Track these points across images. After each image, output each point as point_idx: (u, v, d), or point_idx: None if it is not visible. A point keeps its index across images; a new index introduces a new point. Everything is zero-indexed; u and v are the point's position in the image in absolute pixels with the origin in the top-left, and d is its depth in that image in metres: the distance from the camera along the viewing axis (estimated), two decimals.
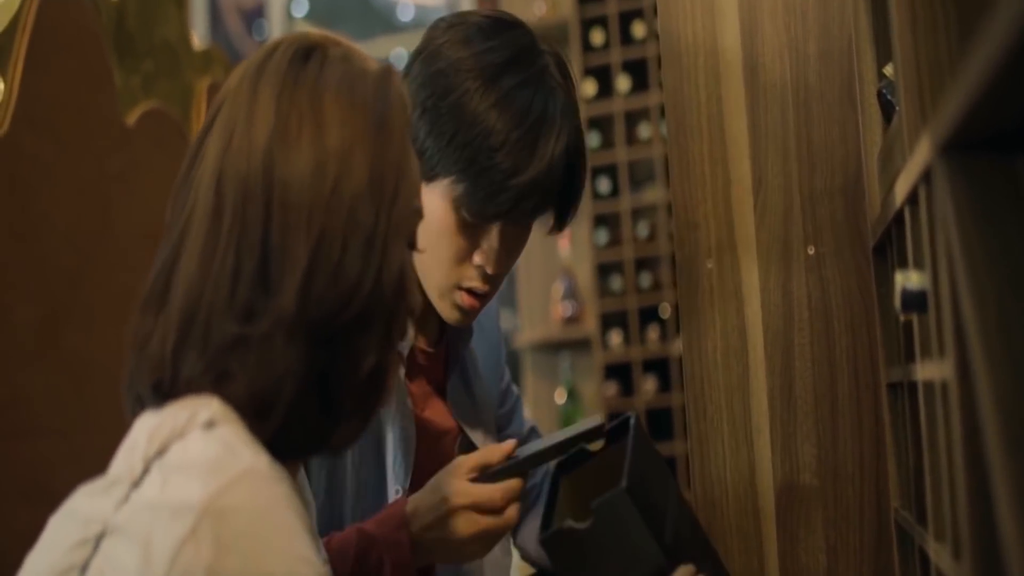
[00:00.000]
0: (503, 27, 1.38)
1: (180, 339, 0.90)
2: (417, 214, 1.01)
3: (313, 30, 1.08)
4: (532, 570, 1.66)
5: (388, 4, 6.36)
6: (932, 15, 0.84)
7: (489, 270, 1.37)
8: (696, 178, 1.44)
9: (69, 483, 0.91)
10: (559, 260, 4.96)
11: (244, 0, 6.33)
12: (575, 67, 1.45)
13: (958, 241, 0.69)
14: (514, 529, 1.60)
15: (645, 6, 4.70)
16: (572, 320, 4.90)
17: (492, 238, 1.36)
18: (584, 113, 1.43)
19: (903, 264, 1.05)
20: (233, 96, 0.96)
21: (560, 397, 4.83)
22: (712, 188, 1.43)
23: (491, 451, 1.27)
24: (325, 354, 0.90)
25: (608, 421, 1.27)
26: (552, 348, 4.95)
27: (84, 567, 0.85)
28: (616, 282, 4.75)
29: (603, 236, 4.78)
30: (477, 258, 1.37)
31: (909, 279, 0.88)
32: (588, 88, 4.74)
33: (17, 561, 0.90)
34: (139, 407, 0.93)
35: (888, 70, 1.22)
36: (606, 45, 4.79)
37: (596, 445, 1.26)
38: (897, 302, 0.90)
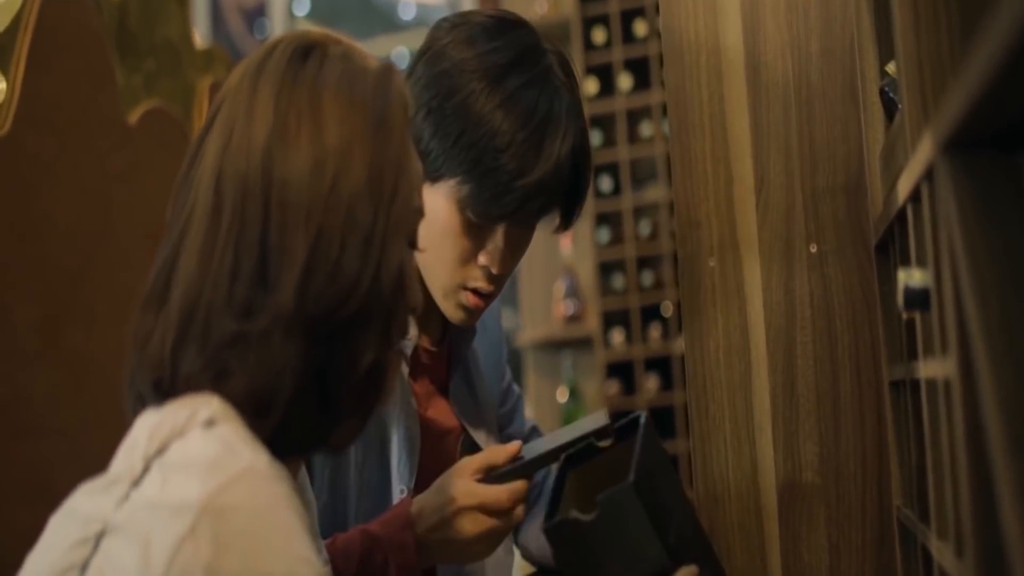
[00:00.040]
0: (507, 27, 1.38)
1: (179, 337, 0.90)
2: (418, 213, 1.01)
3: (314, 29, 1.08)
4: (533, 569, 1.66)
5: (389, 3, 6.36)
6: (934, 13, 0.83)
7: (494, 270, 1.37)
8: (698, 176, 1.43)
9: (70, 482, 0.91)
10: (561, 259, 4.96)
11: None
12: (577, 66, 1.45)
13: (961, 239, 0.69)
14: (516, 528, 1.60)
15: (647, 4, 4.70)
16: (574, 319, 4.90)
17: (497, 239, 1.36)
18: (586, 112, 1.43)
19: (905, 262, 1.05)
20: (233, 95, 0.97)
21: (562, 396, 4.83)
22: (714, 186, 1.43)
23: (496, 452, 1.26)
24: (323, 351, 0.90)
25: (613, 418, 1.27)
26: (554, 347, 4.95)
27: (84, 566, 0.85)
28: (618, 281, 4.75)
29: (605, 235, 4.78)
30: (482, 258, 1.37)
31: (912, 277, 0.88)
32: (590, 87, 4.74)
33: (18, 561, 0.90)
34: (140, 406, 0.93)
35: (890, 68, 1.22)
36: (608, 43, 4.79)
37: (605, 442, 1.26)
38: (900, 300, 0.90)
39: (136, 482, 0.86)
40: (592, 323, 4.77)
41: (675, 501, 1.20)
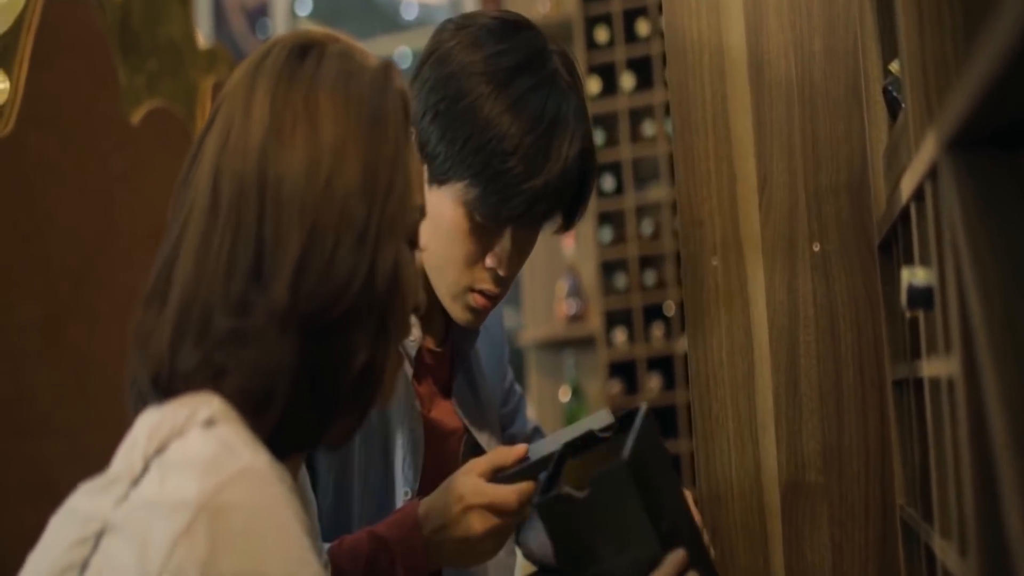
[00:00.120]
0: (513, 29, 1.38)
1: (176, 334, 0.91)
2: (418, 212, 1.01)
3: (316, 28, 1.08)
4: (534, 569, 1.66)
5: (392, 2, 6.36)
6: (938, 12, 0.83)
7: (501, 272, 1.37)
8: (701, 175, 1.43)
9: (72, 481, 0.91)
10: (563, 258, 4.95)
11: None
12: (579, 65, 1.45)
13: (964, 238, 0.69)
14: (517, 528, 1.60)
15: (649, 4, 4.70)
16: (576, 318, 4.89)
17: (504, 241, 1.36)
18: (588, 111, 1.43)
19: (909, 261, 1.05)
20: (231, 94, 0.97)
21: (564, 395, 4.83)
22: (717, 185, 1.43)
23: (503, 454, 1.26)
24: (317, 348, 0.91)
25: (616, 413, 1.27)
26: (556, 346, 4.95)
27: (84, 565, 0.85)
28: (620, 280, 4.75)
29: (607, 234, 4.78)
30: (489, 260, 1.37)
31: (915, 276, 0.88)
32: (592, 86, 4.73)
33: (21, 559, 0.91)
34: (141, 405, 0.93)
35: (894, 67, 1.22)
36: (610, 43, 4.79)
37: (605, 432, 1.26)
38: (903, 299, 0.90)
39: (135, 481, 0.86)
40: (595, 322, 4.77)
41: (670, 492, 1.19)
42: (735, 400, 1.41)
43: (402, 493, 1.41)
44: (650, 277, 4.69)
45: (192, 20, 2.54)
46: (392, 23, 6.32)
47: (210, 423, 0.87)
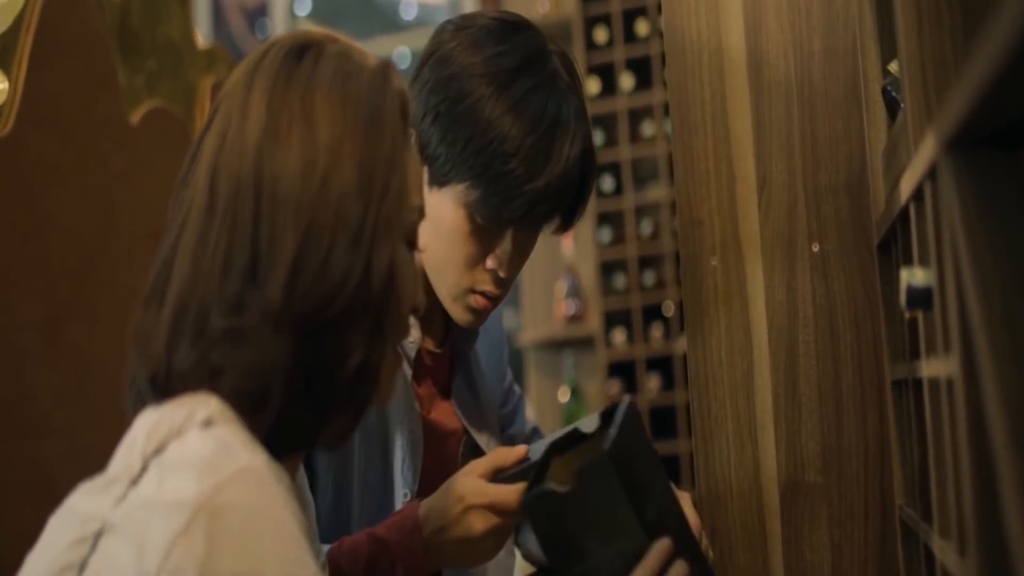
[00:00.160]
0: (513, 30, 1.38)
1: (173, 333, 0.91)
2: (416, 213, 1.01)
3: (315, 28, 1.08)
4: (533, 569, 1.66)
5: (391, 2, 6.36)
6: (937, 12, 0.83)
7: (502, 274, 1.37)
8: (700, 175, 1.43)
9: (72, 481, 0.92)
10: (563, 258, 4.95)
11: None
12: (578, 65, 1.45)
13: (963, 237, 0.69)
14: (516, 529, 1.60)
15: (648, 4, 4.70)
16: (575, 318, 4.89)
17: (505, 242, 1.36)
18: (587, 111, 1.43)
19: (908, 261, 1.05)
20: (229, 95, 0.98)
21: (564, 395, 4.83)
22: (716, 185, 1.43)
23: (503, 454, 1.26)
24: (312, 348, 0.91)
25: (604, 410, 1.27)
26: (555, 346, 4.95)
27: (82, 565, 0.85)
28: (620, 280, 4.75)
29: (607, 234, 4.78)
30: (490, 262, 1.37)
31: (914, 276, 0.88)
32: (591, 86, 4.73)
33: (21, 559, 0.91)
34: (140, 404, 0.93)
35: (893, 67, 1.22)
36: (609, 43, 4.79)
37: (591, 428, 1.26)
38: (902, 299, 0.90)
39: (134, 481, 0.86)
40: (594, 323, 4.77)
41: (655, 482, 1.19)
42: (734, 400, 1.41)
43: (401, 495, 1.41)
44: (649, 277, 4.69)
45: (191, 20, 2.54)
46: (391, 23, 6.32)
47: (208, 423, 0.87)
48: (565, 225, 1.43)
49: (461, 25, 1.39)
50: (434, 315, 1.47)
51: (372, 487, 1.40)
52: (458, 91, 1.32)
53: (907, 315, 1.12)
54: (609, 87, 4.80)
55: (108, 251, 1.85)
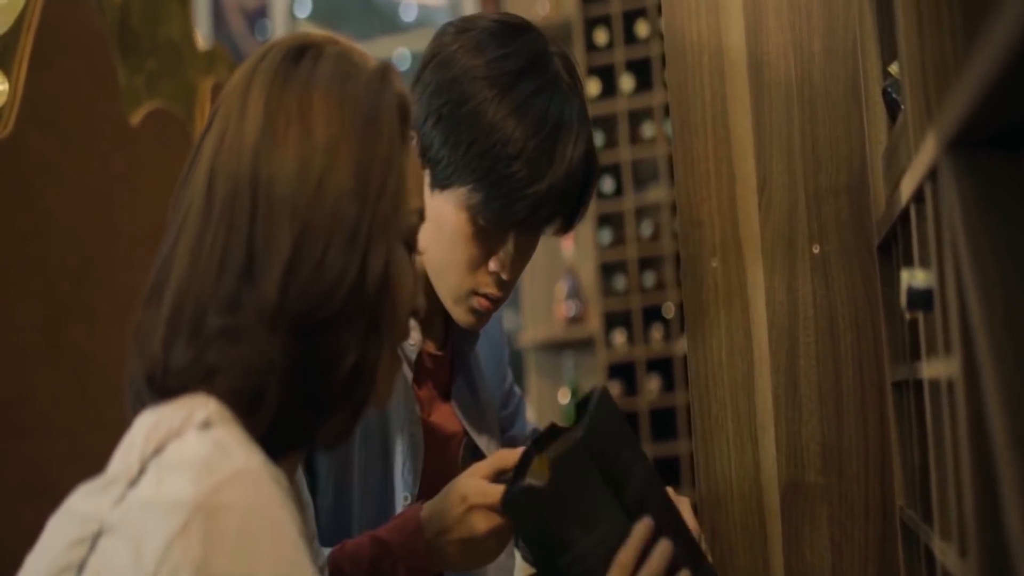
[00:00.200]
0: (514, 32, 1.37)
1: (170, 332, 0.92)
2: (416, 215, 1.01)
3: (315, 30, 1.09)
4: (533, 570, 1.66)
5: (391, 4, 6.36)
6: (937, 13, 0.83)
7: (505, 276, 1.37)
8: (700, 176, 1.43)
9: (73, 482, 0.92)
10: (563, 260, 4.96)
11: (247, 0, 6.33)
12: (579, 67, 1.44)
13: (964, 238, 0.69)
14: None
15: (648, 5, 4.70)
16: (576, 320, 4.90)
17: (507, 245, 1.36)
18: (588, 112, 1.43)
19: (908, 262, 1.05)
20: (229, 96, 0.98)
21: (564, 397, 4.83)
22: (716, 186, 1.43)
23: (505, 456, 1.26)
24: (307, 348, 0.91)
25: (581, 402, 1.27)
26: (556, 348, 4.95)
27: (81, 566, 0.85)
28: (620, 282, 4.75)
29: (607, 236, 4.78)
30: (493, 264, 1.37)
31: (915, 277, 0.88)
32: (592, 87, 4.74)
33: (21, 559, 0.91)
34: (139, 404, 0.94)
35: (893, 68, 1.22)
36: (610, 44, 4.79)
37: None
38: (903, 300, 0.90)
39: (133, 482, 0.86)
40: (594, 324, 4.77)
41: (634, 465, 1.19)
42: (735, 401, 1.41)
43: (402, 498, 1.41)
44: (649, 278, 4.69)
45: (191, 21, 2.54)
46: (391, 24, 6.32)
47: (206, 425, 0.87)
48: (567, 227, 1.43)
49: (462, 27, 1.38)
50: (435, 317, 1.47)
51: (372, 490, 1.40)
52: (460, 94, 1.32)
53: (908, 316, 1.12)
54: (609, 88, 4.80)
55: (108, 251, 1.85)
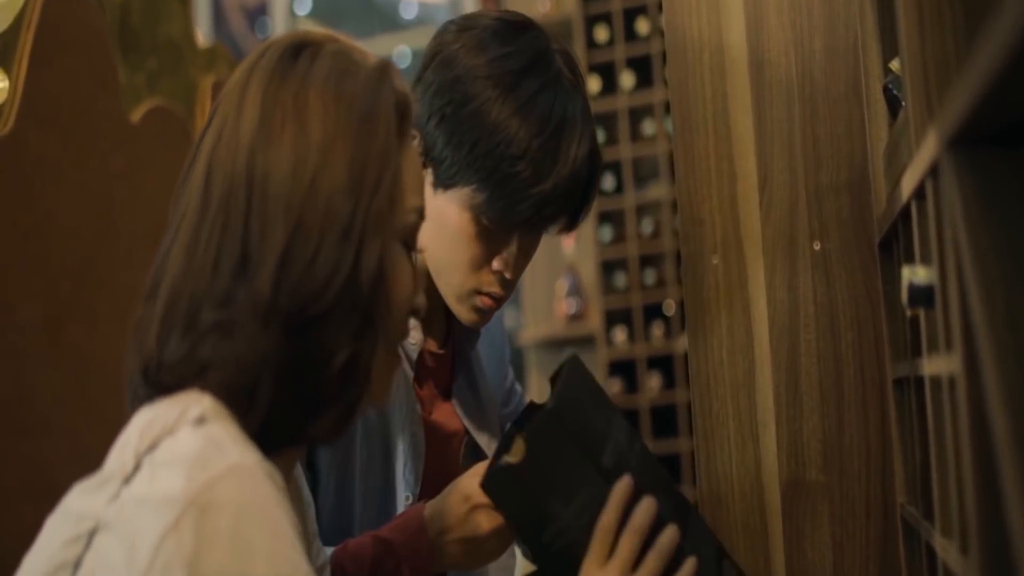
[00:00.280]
0: (516, 30, 1.37)
1: (164, 327, 0.92)
2: (415, 213, 1.01)
3: (316, 28, 1.09)
4: (533, 568, 1.66)
5: (391, 2, 6.36)
6: (938, 10, 0.83)
7: (508, 276, 1.37)
8: (701, 174, 1.43)
9: (73, 481, 0.92)
10: (563, 257, 4.96)
11: None
12: (580, 64, 1.44)
13: (965, 235, 0.69)
14: None
15: (649, 2, 4.70)
16: (576, 317, 4.90)
17: (511, 244, 1.36)
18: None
19: (909, 259, 1.05)
20: (227, 94, 0.99)
21: None
22: (717, 184, 1.43)
23: None
24: (299, 343, 0.91)
25: (552, 377, 1.26)
26: (556, 345, 4.95)
27: (77, 563, 0.85)
28: (620, 279, 4.75)
29: (607, 233, 4.78)
30: (496, 264, 1.36)
31: (916, 274, 0.88)
32: (592, 85, 4.74)
33: (21, 559, 0.91)
34: (137, 402, 0.94)
35: (894, 65, 1.22)
36: (610, 42, 4.79)
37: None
38: (904, 297, 0.90)
39: (127, 479, 0.86)
40: (594, 322, 4.77)
41: (610, 428, 1.18)
42: (735, 399, 1.41)
43: (403, 498, 1.41)
44: (650, 276, 4.69)
45: (191, 19, 2.54)
46: (391, 22, 6.32)
47: (201, 421, 0.87)
48: (571, 226, 1.42)
49: (464, 26, 1.38)
50: (436, 316, 1.47)
51: (373, 489, 1.40)
52: (463, 93, 1.32)
53: (909, 313, 1.12)
54: (610, 86, 4.80)
55: (109, 250, 1.85)
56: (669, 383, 4.62)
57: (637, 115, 4.77)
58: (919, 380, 1.05)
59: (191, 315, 0.91)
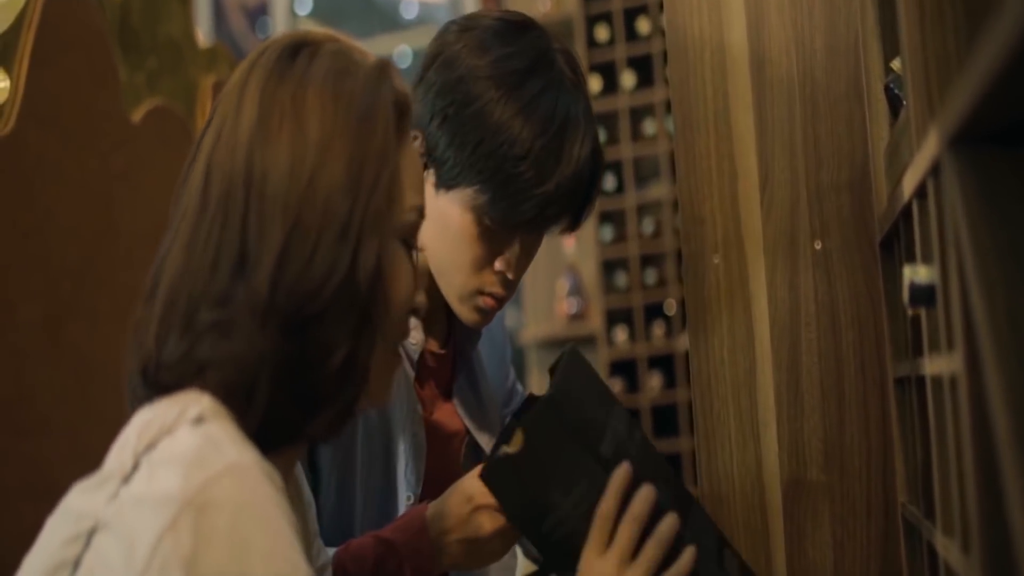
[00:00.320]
0: (518, 30, 1.37)
1: (163, 326, 0.92)
2: (415, 213, 1.01)
3: (316, 28, 1.09)
4: (535, 568, 1.66)
5: (392, 1, 6.36)
6: (939, 9, 0.83)
7: (510, 276, 1.37)
8: (702, 173, 1.43)
9: (73, 481, 0.92)
10: (564, 257, 4.96)
11: None
12: (581, 64, 1.44)
13: (967, 234, 0.69)
14: None
15: (650, 2, 4.70)
16: (577, 317, 4.90)
17: (513, 245, 1.36)
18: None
19: (910, 258, 1.05)
20: (227, 93, 0.99)
21: None
22: (719, 183, 1.43)
23: None
24: (296, 342, 0.91)
25: (551, 368, 1.26)
26: (557, 345, 4.95)
27: (76, 563, 0.85)
28: (621, 279, 4.75)
29: (608, 232, 4.78)
30: (499, 264, 1.36)
31: (917, 273, 0.88)
32: (593, 84, 4.74)
33: (21, 559, 0.91)
34: (136, 401, 0.94)
35: (895, 64, 1.22)
36: (611, 41, 4.79)
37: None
38: (905, 296, 0.89)
39: (126, 479, 0.86)
40: (595, 321, 4.77)
41: (608, 417, 1.18)
42: (736, 398, 1.40)
43: (404, 498, 1.41)
44: (651, 276, 4.69)
45: (192, 18, 2.54)
46: (392, 22, 6.32)
47: (199, 420, 0.87)
48: (573, 226, 1.42)
49: (465, 26, 1.37)
50: (437, 316, 1.46)
51: (374, 490, 1.40)
52: (466, 94, 1.31)
53: (910, 312, 1.12)
54: (610, 85, 4.80)
55: (109, 249, 1.85)
56: (670, 382, 4.62)
57: (638, 114, 4.77)
58: (920, 379, 1.05)
59: (189, 315, 0.91)
